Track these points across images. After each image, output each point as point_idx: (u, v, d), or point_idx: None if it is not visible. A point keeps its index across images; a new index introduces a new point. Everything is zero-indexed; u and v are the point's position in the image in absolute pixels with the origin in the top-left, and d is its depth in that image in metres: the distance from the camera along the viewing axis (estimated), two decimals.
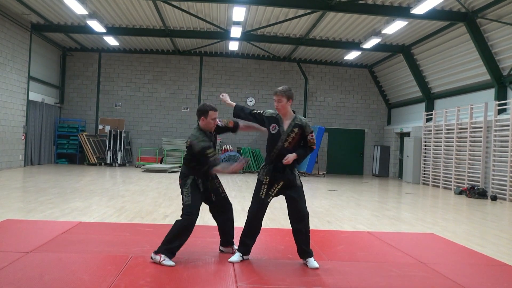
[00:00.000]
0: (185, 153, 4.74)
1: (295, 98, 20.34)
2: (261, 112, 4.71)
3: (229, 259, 4.53)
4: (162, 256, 4.31)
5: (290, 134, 4.47)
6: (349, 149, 20.60)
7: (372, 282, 4.12)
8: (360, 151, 20.72)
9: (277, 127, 4.51)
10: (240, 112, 4.80)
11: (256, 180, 4.65)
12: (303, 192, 4.58)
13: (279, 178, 4.48)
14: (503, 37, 12.13)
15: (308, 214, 4.53)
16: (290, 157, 4.37)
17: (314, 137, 4.60)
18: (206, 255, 4.78)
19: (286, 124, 4.52)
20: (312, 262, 4.45)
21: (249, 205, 4.67)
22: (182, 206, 4.53)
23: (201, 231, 5.92)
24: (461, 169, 13.99)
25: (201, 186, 4.58)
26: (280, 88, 4.58)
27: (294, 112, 4.64)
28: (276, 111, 4.64)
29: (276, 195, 4.55)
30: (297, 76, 20.49)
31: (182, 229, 4.39)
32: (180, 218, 4.45)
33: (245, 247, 4.59)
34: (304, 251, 4.50)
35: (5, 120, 14.77)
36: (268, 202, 4.57)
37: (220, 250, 4.93)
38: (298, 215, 4.45)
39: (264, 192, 4.51)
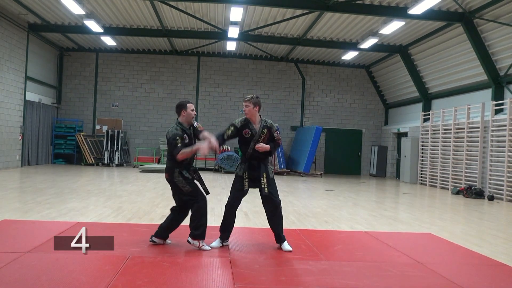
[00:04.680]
0: (167, 147, 5.15)
1: (293, 98, 20.41)
2: (231, 128, 5.25)
3: (210, 245, 5.09)
4: (201, 242, 4.96)
5: (261, 135, 5.18)
6: (347, 149, 20.63)
7: (370, 282, 4.12)
8: (358, 151, 20.75)
9: (249, 132, 5.18)
10: (221, 140, 5.22)
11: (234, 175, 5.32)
12: (275, 184, 5.25)
13: (254, 173, 5.15)
14: (500, 37, 12.16)
15: (280, 203, 5.21)
16: (264, 145, 5.09)
17: (279, 134, 5.36)
18: (203, 255, 4.78)
19: (256, 127, 5.20)
20: (286, 246, 5.13)
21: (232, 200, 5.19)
22: (184, 197, 4.97)
23: None
24: (458, 169, 14.03)
25: (187, 174, 5.02)
26: (249, 96, 5.25)
27: (260, 116, 5.29)
28: (245, 116, 5.25)
29: (251, 187, 5.20)
30: (295, 76, 20.50)
31: (201, 212, 4.93)
32: (192, 206, 4.98)
33: (226, 234, 5.24)
34: (280, 237, 5.20)
35: (2, 120, 14.73)
36: (244, 194, 5.24)
37: (154, 241, 5.16)
38: (271, 205, 5.14)
39: (245, 185, 5.18)
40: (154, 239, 5.11)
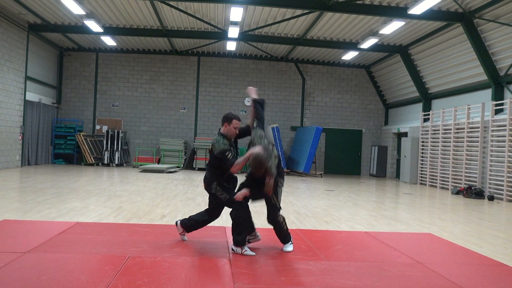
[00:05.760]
0: (209, 158, 5.18)
1: (293, 98, 20.43)
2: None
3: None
4: (243, 247, 4.85)
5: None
6: (347, 149, 20.63)
7: (370, 282, 4.12)
8: (358, 151, 20.75)
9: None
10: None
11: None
12: (276, 200, 5.00)
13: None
14: (500, 38, 12.16)
15: (278, 221, 5.04)
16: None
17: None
18: (204, 255, 4.78)
19: None
20: (286, 247, 5.11)
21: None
22: (226, 205, 5.01)
23: (199, 231, 5.92)
24: (458, 169, 14.03)
25: (225, 184, 5.04)
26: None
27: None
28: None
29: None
30: (295, 76, 20.50)
31: (239, 220, 4.88)
32: (231, 213, 4.94)
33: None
34: (283, 240, 5.15)
35: (2, 120, 14.73)
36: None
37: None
38: (269, 220, 5.08)
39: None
40: (184, 237, 5.33)
